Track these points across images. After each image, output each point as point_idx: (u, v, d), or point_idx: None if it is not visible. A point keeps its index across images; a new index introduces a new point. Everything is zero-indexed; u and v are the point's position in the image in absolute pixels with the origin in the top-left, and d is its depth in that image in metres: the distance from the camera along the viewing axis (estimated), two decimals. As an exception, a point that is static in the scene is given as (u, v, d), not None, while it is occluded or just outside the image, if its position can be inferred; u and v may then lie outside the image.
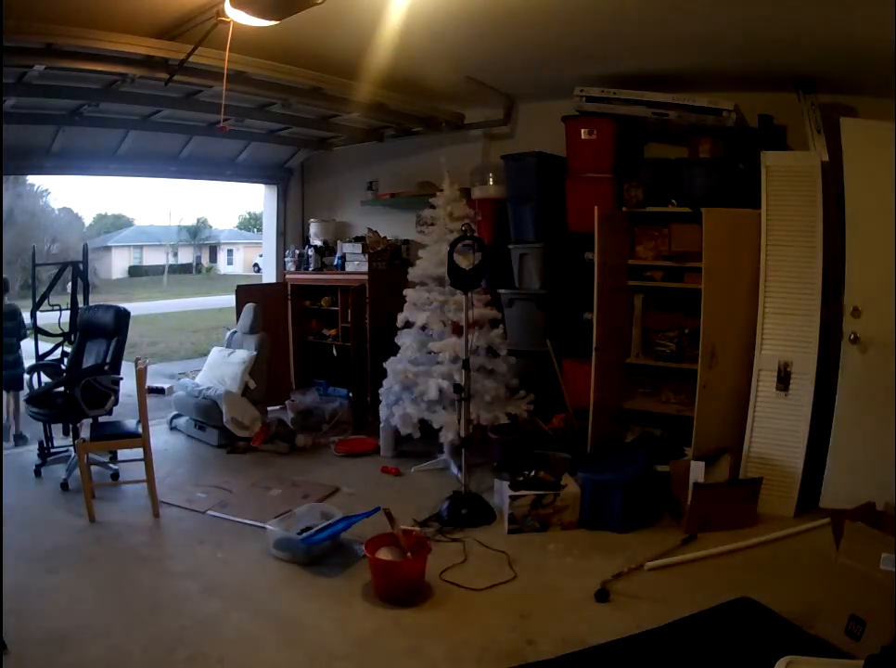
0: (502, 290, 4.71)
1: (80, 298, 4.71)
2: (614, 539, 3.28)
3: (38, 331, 4.66)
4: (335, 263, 5.59)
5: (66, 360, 4.51)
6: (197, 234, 30.27)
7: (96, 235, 29.40)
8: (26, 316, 4.86)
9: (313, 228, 6.09)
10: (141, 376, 3.60)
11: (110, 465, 4.16)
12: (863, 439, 3.43)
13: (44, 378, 4.40)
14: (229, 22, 2.89)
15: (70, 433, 4.31)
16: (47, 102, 4.25)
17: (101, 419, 4.04)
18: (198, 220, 31.32)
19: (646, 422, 4.40)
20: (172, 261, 28.72)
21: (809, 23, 3.09)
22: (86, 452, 3.59)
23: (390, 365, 4.30)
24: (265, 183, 6.53)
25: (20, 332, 4.79)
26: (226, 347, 5.23)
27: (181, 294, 21.46)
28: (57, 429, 4.48)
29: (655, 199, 4.21)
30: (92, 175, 6.29)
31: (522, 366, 4.34)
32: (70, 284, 4.82)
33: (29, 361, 4.72)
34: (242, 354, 4.98)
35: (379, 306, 5.01)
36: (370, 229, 5.56)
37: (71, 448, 4.18)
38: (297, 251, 5.96)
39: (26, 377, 4.48)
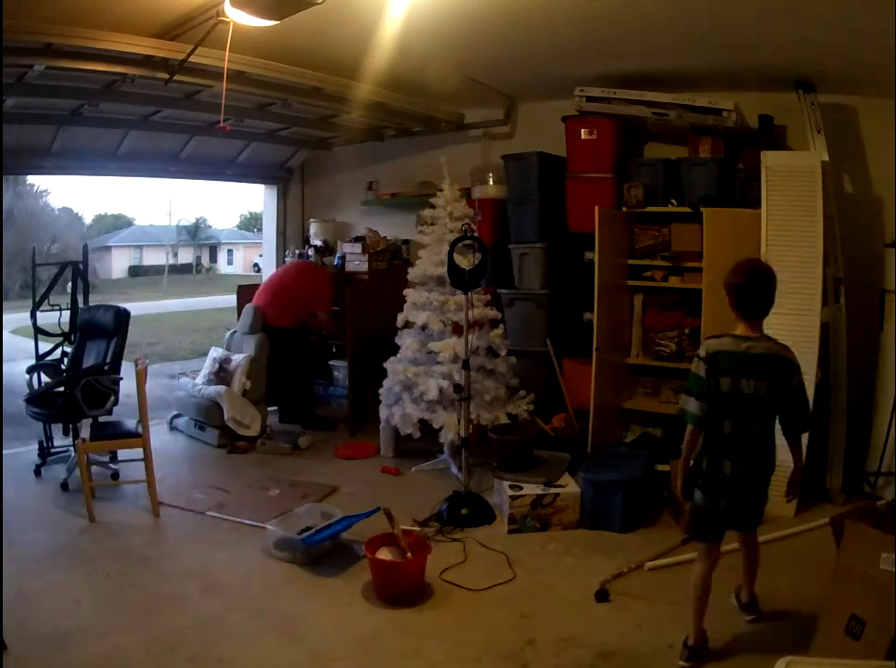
0: (502, 290, 4.71)
1: (80, 298, 4.70)
2: (614, 539, 3.28)
3: (38, 331, 4.66)
4: (335, 263, 5.59)
5: (66, 360, 4.50)
6: (196, 234, 30.28)
7: (96, 235, 29.46)
8: (26, 316, 4.83)
9: (313, 228, 6.08)
10: (141, 376, 3.59)
11: (110, 465, 4.15)
12: None
13: (45, 378, 4.39)
14: (229, 22, 2.89)
15: (70, 433, 4.30)
16: (47, 102, 4.25)
17: (101, 419, 4.02)
18: (197, 219, 31.38)
19: (646, 422, 4.39)
20: (172, 261, 28.75)
21: (809, 23, 3.09)
22: (86, 452, 3.59)
23: (390, 365, 4.29)
24: (265, 183, 6.53)
25: None
26: (226, 348, 5.22)
27: (181, 294, 21.47)
28: (57, 429, 4.48)
29: (655, 199, 4.22)
30: (92, 175, 6.30)
31: (522, 366, 4.34)
32: (70, 284, 4.80)
33: (29, 361, 4.71)
34: (238, 358, 4.98)
35: (379, 306, 5.00)
36: (370, 229, 5.55)
37: (71, 448, 4.18)
38: (297, 251, 5.95)
39: (26, 377, 4.47)
